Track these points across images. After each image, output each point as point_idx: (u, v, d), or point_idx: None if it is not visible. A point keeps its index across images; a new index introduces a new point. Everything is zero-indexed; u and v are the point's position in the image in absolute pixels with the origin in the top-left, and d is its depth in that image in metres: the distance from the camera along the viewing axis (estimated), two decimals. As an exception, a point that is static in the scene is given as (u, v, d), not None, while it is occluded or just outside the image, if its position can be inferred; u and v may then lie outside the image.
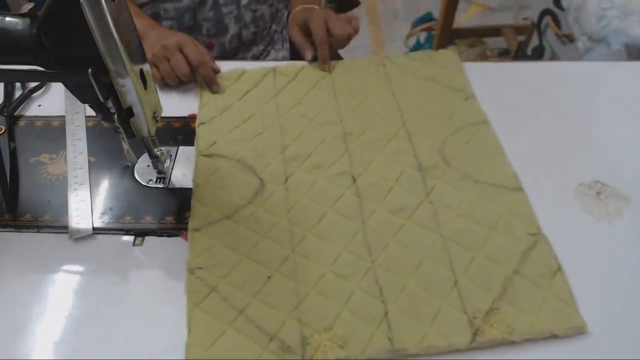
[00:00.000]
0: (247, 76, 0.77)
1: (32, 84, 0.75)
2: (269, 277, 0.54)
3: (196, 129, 0.69)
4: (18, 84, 0.75)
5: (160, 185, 0.63)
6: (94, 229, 0.59)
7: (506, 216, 0.59)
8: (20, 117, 0.72)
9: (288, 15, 0.97)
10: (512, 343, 0.50)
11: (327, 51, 0.78)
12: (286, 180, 0.63)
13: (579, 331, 0.50)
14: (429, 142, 0.67)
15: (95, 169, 0.65)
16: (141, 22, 0.77)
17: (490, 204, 0.61)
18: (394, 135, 0.68)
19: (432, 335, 0.50)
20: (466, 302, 0.52)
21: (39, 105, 0.74)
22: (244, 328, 0.51)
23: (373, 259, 0.56)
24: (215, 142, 0.67)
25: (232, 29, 0.89)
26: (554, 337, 0.50)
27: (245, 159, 0.66)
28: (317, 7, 0.84)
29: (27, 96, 0.74)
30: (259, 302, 0.52)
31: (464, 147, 0.67)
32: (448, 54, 0.81)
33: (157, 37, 0.74)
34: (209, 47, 0.90)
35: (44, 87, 0.76)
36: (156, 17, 0.85)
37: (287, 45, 0.98)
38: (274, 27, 0.95)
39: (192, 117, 0.71)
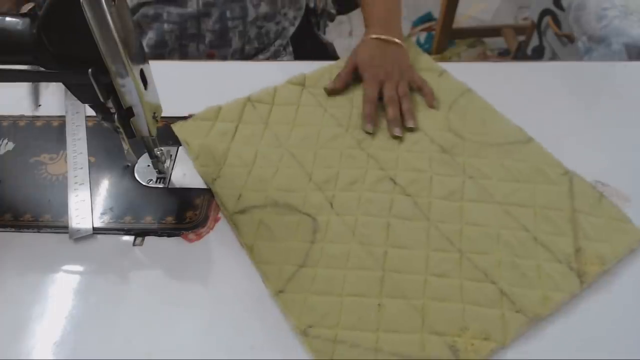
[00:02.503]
0: (225, 112, 0.71)
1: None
2: (378, 304, 0.52)
3: (211, 187, 0.62)
4: (18, 84, 0.75)
5: (161, 185, 0.63)
6: (94, 229, 0.59)
7: (535, 167, 0.63)
8: (20, 117, 0.72)
9: (295, 31, 0.94)
10: (603, 274, 0.54)
11: (397, 111, 0.70)
12: (332, 206, 0.60)
13: None
14: (436, 125, 0.69)
15: (95, 169, 0.65)
16: None
17: (516, 160, 0.64)
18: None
19: (550, 293, 0.52)
20: (555, 252, 0.55)
21: (39, 105, 0.74)
22: None
23: (458, 248, 0.56)
24: (240, 196, 0.61)
25: (236, 44, 0.88)
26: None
27: (279, 200, 0.61)
28: (395, 41, 0.76)
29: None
30: (385, 333, 0.50)
31: (465, 118, 0.69)
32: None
33: None
34: (210, 56, 0.88)
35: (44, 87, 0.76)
36: (158, 19, 0.84)
37: (290, 49, 0.96)
38: (278, 41, 0.93)
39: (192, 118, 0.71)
